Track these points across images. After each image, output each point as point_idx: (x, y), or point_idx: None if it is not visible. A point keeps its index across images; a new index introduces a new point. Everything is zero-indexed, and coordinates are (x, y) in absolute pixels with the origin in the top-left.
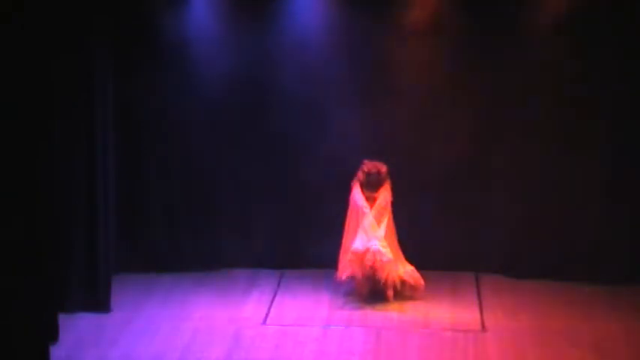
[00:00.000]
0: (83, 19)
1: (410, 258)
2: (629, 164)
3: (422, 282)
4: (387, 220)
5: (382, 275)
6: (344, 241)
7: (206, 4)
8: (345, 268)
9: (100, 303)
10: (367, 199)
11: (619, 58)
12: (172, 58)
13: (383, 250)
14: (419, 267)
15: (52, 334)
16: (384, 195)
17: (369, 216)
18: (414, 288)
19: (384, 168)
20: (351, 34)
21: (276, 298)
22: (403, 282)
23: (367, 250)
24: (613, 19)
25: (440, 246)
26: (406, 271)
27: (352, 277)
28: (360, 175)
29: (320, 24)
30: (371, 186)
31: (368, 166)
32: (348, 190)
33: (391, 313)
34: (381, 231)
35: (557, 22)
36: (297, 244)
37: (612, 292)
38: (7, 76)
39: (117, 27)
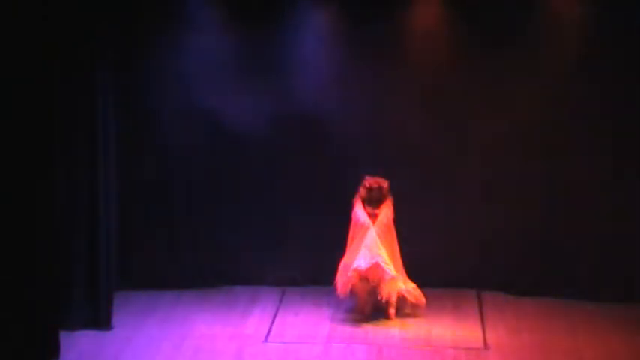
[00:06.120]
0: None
1: (411, 275)
2: (630, 182)
3: (423, 299)
4: (389, 236)
5: (384, 293)
6: (345, 257)
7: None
8: (346, 285)
9: (101, 320)
10: (369, 215)
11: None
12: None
13: (385, 267)
14: (420, 284)
15: (53, 352)
16: (386, 211)
17: (371, 233)
18: (415, 306)
19: (385, 184)
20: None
21: (278, 316)
22: (404, 299)
23: (370, 267)
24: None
25: (441, 263)
26: (407, 288)
27: (354, 295)
28: (362, 191)
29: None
30: (372, 202)
31: (369, 182)
32: (349, 207)
33: (393, 331)
34: (384, 248)
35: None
36: (299, 261)
37: (614, 309)
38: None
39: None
